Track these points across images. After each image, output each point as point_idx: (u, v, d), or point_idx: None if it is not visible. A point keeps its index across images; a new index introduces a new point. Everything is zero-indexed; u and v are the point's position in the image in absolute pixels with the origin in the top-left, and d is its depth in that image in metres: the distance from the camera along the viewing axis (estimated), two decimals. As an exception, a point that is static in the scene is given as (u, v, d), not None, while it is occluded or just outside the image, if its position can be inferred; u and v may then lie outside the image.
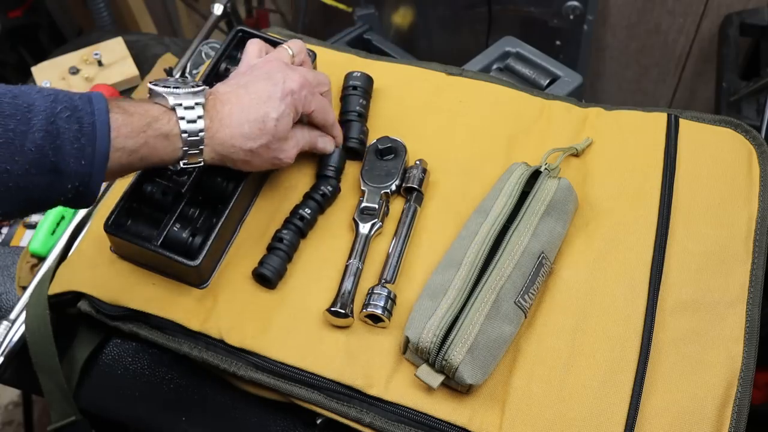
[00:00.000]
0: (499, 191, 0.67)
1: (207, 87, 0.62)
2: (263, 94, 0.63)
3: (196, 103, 0.59)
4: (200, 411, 0.67)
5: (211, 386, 0.67)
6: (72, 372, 0.68)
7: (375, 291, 0.63)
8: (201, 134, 0.59)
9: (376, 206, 0.69)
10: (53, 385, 0.66)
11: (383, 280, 0.64)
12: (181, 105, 0.58)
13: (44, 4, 1.52)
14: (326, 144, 0.72)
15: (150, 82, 0.60)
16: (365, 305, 0.63)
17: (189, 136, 0.58)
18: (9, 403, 1.54)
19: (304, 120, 0.70)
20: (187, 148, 0.59)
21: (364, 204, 0.69)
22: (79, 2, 1.54)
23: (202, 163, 0.61)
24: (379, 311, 0.62)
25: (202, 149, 0.60)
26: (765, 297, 0.64)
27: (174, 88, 0.59)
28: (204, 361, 0.64)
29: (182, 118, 0.58)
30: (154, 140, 0.57)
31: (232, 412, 0.66)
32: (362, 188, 0.71)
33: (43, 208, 0.55)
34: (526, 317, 0.61)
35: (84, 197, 0.55)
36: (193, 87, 0.60)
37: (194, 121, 0.59)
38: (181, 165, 0.60)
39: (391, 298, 0.63)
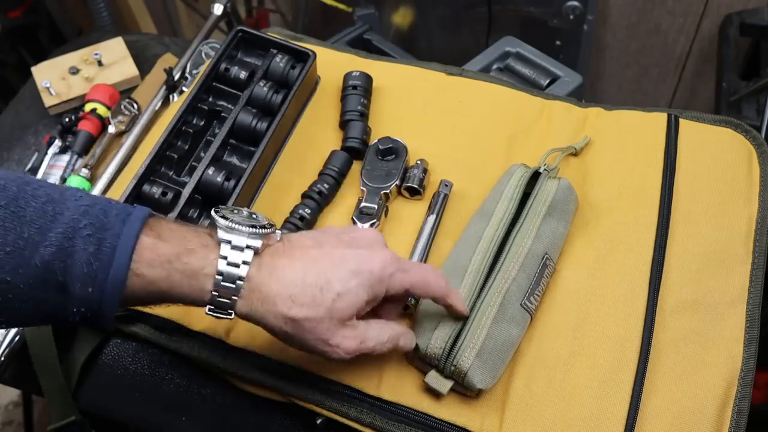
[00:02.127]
0: (500, 194, 0.67)
1: (278, 230, 0.53)
2: (336, 258, 0.51)
3: (248, 246, 0.50)
4: (200, 411, 0.66)
5: (211, 386, 0.67)
6: (72, 372, 0.68)
7: None
8: (239, 283, 0.49)
9: (375, 207, 0.69)
10: (53, 385, 0.66)
11: None
12: (229, 243, 0.50)
13: (44, 4, 1.52)
14: (408, 341, 0.57)
15: (214, 209, 0.52)
16: None
17: (223, 281, 0.49)
18: (9, 403, 1.54)
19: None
20: (217, 294, 0.49)
21: (363, 204, 0.69)
22: (79, 2, 1.54)
23: (232, 316, 0.50)
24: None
25: (235, 300, 0.50)
26: (765, 297, 0.64)
27: (236, 223, 0.50)
28: (204, 361, 0.64)
29: (224, 258, 0.49)
30: (179, 276, 0.48)
31: (232, 412, 0.66)
32: (362, 188, 0.71)
33: (54, 323, 0.50)
34: (532, 319, 0.61)
35: (97, 322, 0.48)
36: (258, 228, 0.50)
37: (237, 266, 0.49)
38: (207, 311, 0.50)
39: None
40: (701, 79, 1.54)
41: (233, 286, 0.49)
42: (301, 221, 0.68)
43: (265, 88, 0.75)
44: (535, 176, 0.68)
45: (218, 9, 1.01)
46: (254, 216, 0.53)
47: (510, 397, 0.59)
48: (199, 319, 0.64)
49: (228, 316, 0.50)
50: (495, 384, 0.59)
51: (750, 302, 0.62)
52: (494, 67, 1.02)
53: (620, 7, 1.45)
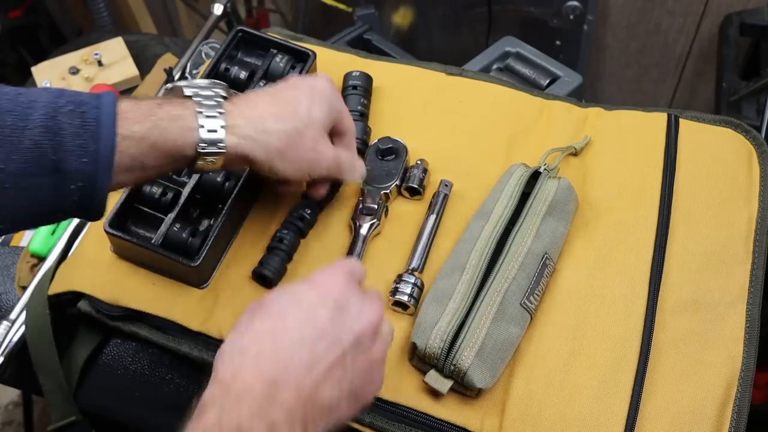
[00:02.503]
0: (499, 193, 0.67)
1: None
2: (290, 90, 0.60)
3: (215, 92, 0.55)
4: (200, 411, 0.66)
5: (211, 386, 0.67)
6: (72, 372, 0.68)
7: (402, 279, 0.63)
8: (221, 113, 0.53)
9: (375, 206, 0.69)
10: (53, 385, 0.66)
11: (410, 269, 0.65)
12: (197, 92, 0.55)
13: (44, 4, 1.52)
14: (362, 171, 0.67)
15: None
16: (392, 292, 0.63)
17: (207, 116, 0.53)
18: (9, 403, 1.54)
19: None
20: (204, 128, 0.53)
21: (363, 204, 0.69)
22: (79, 2, 1.54)
23: (224, 151, 0.54)
24: (405, 299, 0.62)
25: (222, 132, 0.53)
26: (765, 297, 0.64)
27: (192, 83, 0.56)
28: (204, 361, 0.64)
29: (198, 101, 0.54)
30: (166, 123, 0.51)
31: (232, 412, 0.66)
32: (362, 188, 0.71)
33: (50, 216, 0.51)
34: (531, 318, 0.61)
35: (91, 202, 0.50)
36: (212, 81, 0.57)
37: (212, 104, 0.54)
38: (199, 149, 0.53)
39: (418, 286, 0.63)
40: (701, 79, 1.54)
41: (216, 115, 0.53)
42: (301, 221, 0.68)
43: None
44: (535, 176, 0.68)
45: (218, 9, 1.01)
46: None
47: (510, 397, 0.59)
48: (199, 319, 0.64)
49: (221, 150, 0.53)
50: (495, 384, 0.59)
51: (750, 302, 0.62)
52: (494, 67, 1.02)
53: (620, 7, 1.45)
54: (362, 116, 0.76)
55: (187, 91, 0.55)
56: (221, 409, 0.43)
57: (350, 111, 0.76)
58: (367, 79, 0.78)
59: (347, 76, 0.78)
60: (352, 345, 0.47)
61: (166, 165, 0.53)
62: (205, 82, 0.56)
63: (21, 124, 0.47)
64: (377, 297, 0.51)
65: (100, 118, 0.49)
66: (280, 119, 0.56)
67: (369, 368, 0.49)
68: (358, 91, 0.77)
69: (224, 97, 0.56)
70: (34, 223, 0.52)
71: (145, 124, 0.51)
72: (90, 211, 0.52)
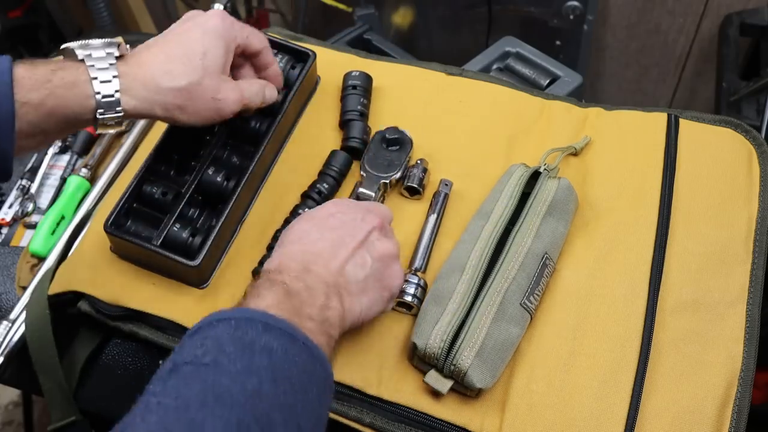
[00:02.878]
0: (499, 193, 0.67)
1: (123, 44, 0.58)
2: (182, 33, 0.60)
3: (108, 53, 0.55)
4: (200, 411, 0.66)
5: (211, 386, 0.67)
6: (72, 372, 0.68)
7: (406, 279, 0.63)
8: (114, 77, 0.54)
9: (373, 194, 0.69)
10: (53, 385, 0.66)
11: (413, 269, 0.65)
12: (90, 55, 0.55)
13: (44, 4, 1.52)
14: (272, 91, 0.69)
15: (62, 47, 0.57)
16: None
17: (101, 81, 0.54)
18: (9, 403, 1.54)
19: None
20: (100, 94, 0.54)
21: (360, 189, 0.69)
22: (79, 2, 1.54)
23: (121, 114, 0.56)
24: (408, 299, 0.62)
25: (118, 95, 0.55)
26: (765, 297, 0.64)
27: (85, 44, 0.56)
28: (204, 361, 0.64)
29: (91, 66, 0.54)
30: (62, 90, 0.53)
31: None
32: (361, 173, 0.70)
33: None
34: (531, 318, 0.61)
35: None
36: (106, 41, 0.56)
37: (105, 68, 0.54)
38: (98, 116, 0.55)
39: (422, 286, 0.63)
40: (701, 79, 1.54)
41: (111, 82, 0.54)
42: (301, 221, 0.68)
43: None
44: (535, 176, 0.68)
45: (218, 9, 1.01)
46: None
47: (510, 397, 0.59)
48: (199, 319, 0.64)
49: (118, 114, 0.55)
50: (495, 384, 0.59)
51: (750, 302, 0.62)
52: (494, 67, 1.02)
53: (620, 7, 1.45)
54: (362, 116, 0.76)
55: (80, 54, 0.55)
56: (267, 279, 0.51)
57: (350, 111, 0.76)
58: (367, 78, 0.78)
59: (347, 76, 0.78)
60: (366, 236, 0.56)
61: (67, 129, 0.55)
62: (98, 41, 0.56)
63: None
64: (382, 205, 0.61)
65: None
66: (174, 76, 0.57)
67: (385, 257, 0.57)
68: (358, 91, 0.77)
69: (117, 57, 0.56)
70: None
71: (42, 92, 0.52)
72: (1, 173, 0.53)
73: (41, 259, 0.76)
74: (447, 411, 0.59)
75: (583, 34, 1.41)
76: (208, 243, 0.64)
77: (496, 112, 0.77)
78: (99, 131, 0.58)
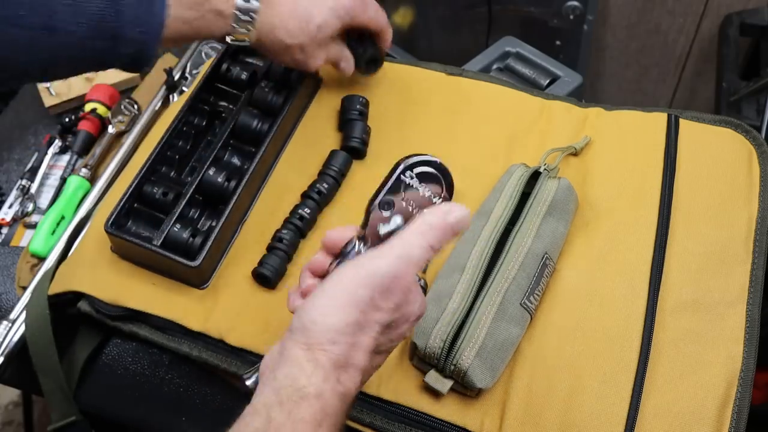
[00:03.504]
0: (499, 193, 0.67)
1: None
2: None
3: None
4: (200, 411, 0.66)
5: (211, 386, 0.67)
6: (72, 372, 0.68)
7: None
8: (253, 16, 0.65)
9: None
10: (53, 385, 0.66)
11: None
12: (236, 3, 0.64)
13: (44, 4, 1.52)
14: (348, 66, 0.75)
15: None
16: None
17: (242, 15, 0.64)
18: (9, 403, 1.54)
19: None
20: (236, 26, 0.65)
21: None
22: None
23: (247, 43, 0.67)
24: None
25: (250, 30, 0.65)
26: (765, 297, 0.64)
27: None
28: (204, 361, 0.64)
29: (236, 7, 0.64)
30: (210, 15, 0.63)
31: (232, 412, 0.66)
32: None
33: (98, 68, 0.62)
34: (531, 318, 0.61)
35: (138, 62, 0.61)
36: None
37: (248, 1, 0.64)
38: (228, 40, 0.66)
39: (422, 286, 0.63)
40: (701, 79, 1.54)
41: (248, 19, 0.65)
42: (301, 221, 0.68)
43: (267, 89, 0.75)
44: (535, 176, 0.68)
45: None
46: None
47: (510, 397, 0.59)
48: (199, 319, 0.64)
49: (244, 43, 0.67)
50: (495, 384, 0.59)
51: (750, 302, 0.62)
52: (494, 67, 1.01)
53: (620, 7, 1.45)
54: (361, 115, 0.76)
55: None
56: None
57: (350, 110, 0.76)
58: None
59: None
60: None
61: (200, 37, 0.65)
62: None
63: None
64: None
65: None
66: (290, 35, 0.67)
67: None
68: (358, 97, 0.77)
69: None
70: (82, 72, 0.63)
71: (194, 13, 0.62)
72: (135, 68, 0.62)
73: (41, 259, 0.76)
74: (447, 411, 0.59)
75: (583, 34, 1.41)
76: (209, 243, 0.64)
77: (496, 112, 0.77)
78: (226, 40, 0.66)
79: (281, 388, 0.43)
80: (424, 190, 0.53)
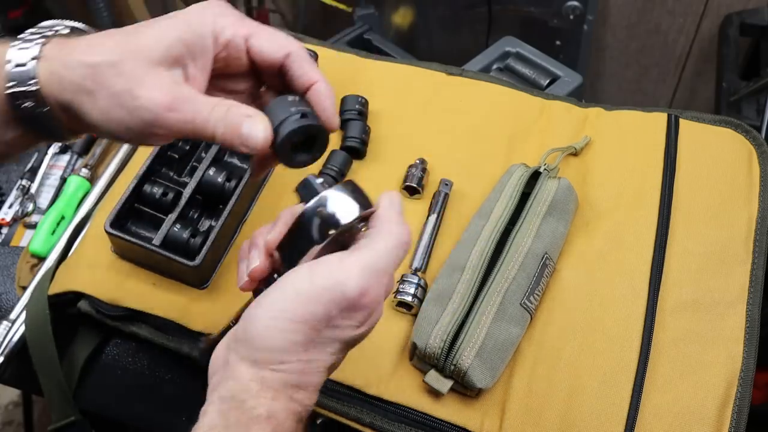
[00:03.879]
0: (499, 193, 0.67)
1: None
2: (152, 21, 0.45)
3: (50, 26, 0.44)
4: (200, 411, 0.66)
5: (211, 386, 0.67)
6: (72, 372, 0.68)
7: (406, 279, 0.63)
8: (37, 46, 0.42)
9: None
10: (53, 385, 0.66)
11: (413, 269, 0.65)
12: (10, 49, 0.43)
13: (44, 4, 1.52)
14: (253, 129, 0.43)
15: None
16: (396, 292, 0.63)
17: (19, 48, 0.42)
18: (9, 403, 1.54)
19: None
20: (11, 62, 0.42)
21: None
22: (79, 2, 1.54)
23: (35, 89, 0.42)
24: (408, 299, 0.62)
25: (33, 64, 0.42)
26: (765, 297, 0.64)
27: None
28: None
29: (13, 46, 0.43)
30: None
31: (232, 412, 0.66)
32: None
33: None
34: (531, 318, 0.61)
35: None
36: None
37: (31, 39, 0.43)
38: (6, 90, 0.42)
39: (422, 286, 0.63)
40: (701, 79, 1.54)
41: (31, 47, 0.42)
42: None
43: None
44: (535, 176, 0.68)
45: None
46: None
47: (510, 397, 0.59)
48: (199, 319, 0.64)
49: (36, 102, 0.42)
50: (495, 384, 0.59)
51: (750, 302, 0.62)
52: (494, 67, 1.02)
53: (620, 7, 1.45)
54: (360, 115, 0.76)
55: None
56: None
57: (348, 110, 0.76)
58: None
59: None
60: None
61: None
62: (50, 22, 0.46)
63: None
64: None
65: None
66: (93, 49, 0.42)
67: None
68: (357, 97, 0.77)
69: (56, 36, 0.44)
70: None
71: None
72: None
73: (41, 259, 0.76)
74: (447, 411, 0.59)
75: (583, 34, 1.41)
76: (208, 243, 0.64)
77: (496, 112, 0.77)
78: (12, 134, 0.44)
79: (229, 410, 0.39)
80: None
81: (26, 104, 0.42)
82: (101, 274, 0.67)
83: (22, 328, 0.70)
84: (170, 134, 0.43)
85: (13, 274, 0.78)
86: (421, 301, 0.63)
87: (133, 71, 0.41)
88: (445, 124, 0.77)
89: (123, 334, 0.67)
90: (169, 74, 0.42)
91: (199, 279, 0.66)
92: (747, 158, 0.71)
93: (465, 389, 0.58)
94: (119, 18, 1.53)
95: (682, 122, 0.74)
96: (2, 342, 0.70)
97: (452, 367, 0.57)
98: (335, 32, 1.18)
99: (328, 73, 0.80)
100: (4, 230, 0.82)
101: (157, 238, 0.65)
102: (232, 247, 0.69)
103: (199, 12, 0.44)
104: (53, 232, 0.78)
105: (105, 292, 0.66)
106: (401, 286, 0.63)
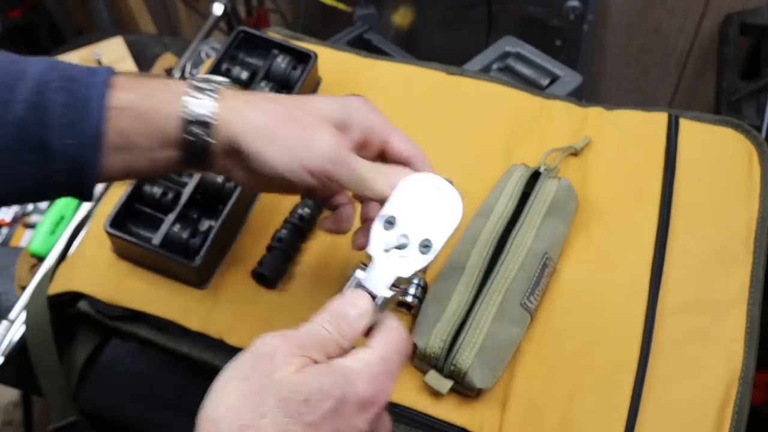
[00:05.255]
0: (499, 193, 0.67)
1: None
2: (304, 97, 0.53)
3: (214, 79, 0.50)
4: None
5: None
6: (72, 372, 0.68)
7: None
8: (212, 91, 0.48)
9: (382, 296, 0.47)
10: (53, 385, 0.66)
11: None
12: (193, 83, 0.48)
13: (44, 4, 1.52)
14: (349, 217, 0.55)
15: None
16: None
17: (198, 85, 0.48)
18: (9, 403, 1.54)
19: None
20: (194, 95, 0.47)
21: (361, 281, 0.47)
22: (79, 2, 1.54)
23: (213, 124, 0.47)
24: (408, 299, 0.62)
25: (213, 102, 0.47)
26: (765, 297, 0.64)
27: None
28: (204, 361, 0.64)
29: (191, 82, 0.48)
30: (160, 93, 0.47)
31: (232, 412, 0.66)
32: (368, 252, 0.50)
33: (39, 194, 0.49)
34: (532, 319, 0.61)
35: (81, 183, 0.47)
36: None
37: (206, 88, 0.48)
38: (184, 135, 0.47)
39: (422, 286, 0.63)
40: (701, 79, 1.54)
41: (209, 91, 0.47)
42: (301, 221, 0.68)
43: (267, 89, 0.75)
44: (535, 176, 0.68)
45: (218, 9, 1.01)
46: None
47: (510, 397, 0.59)
48: (199, 319, 0.64)
49: (206, 136, 0.47)
50: (495, 384, 0.59)
51: (750, 302, 0.62)
52: (494, 67, 1.02)
53: (620, 7, 1.45)
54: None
55: (188, 77, 0.51)
56: None
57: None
58: None
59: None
60: None
61: (153, 146, 0.48)
62: (203, 76, 0.51)
63: (7, 96, 0.45)
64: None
65: (90, 96, 0.45)
66: (272, 101, 0.49)
67: None
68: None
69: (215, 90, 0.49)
70: (22, 199, 0.49)
71: (138, 93, 0.47)
72: (81, 192, 0.48)
73: (41, 259, 0.76)
74: (447, 411, 0.59)
75: (583, 34, 1.41)
76: (208, 243, 0.64)
77: (496, 112, 0.77)
78: (193, 165, 0.49)
79: None
80: (427, 207, 0.49)
81: (196, 133, 0.47)
82: (101, 274, 0.67)
83: (22, 329, 0.70)
84: (327, 185, 0.49)
85: (13, 274, 0.78)
86: (421, 301, 0.63)
87: (312, 123, 0.48)
88: (445, 123, 0.77)
89: (123, 334, 0.67)
90: (337, 132, 0.49)
91: (199, 279, 0.66)
92: (747, 158, 0.71)
93: (465, 389, 0.58)
94: (119, 18, 1.53)
95: (683, 122, 0.74)
96: (2, 342, 0.70)
97: (452, 367, 0.57)
98: (335, 32, 1.18)
99: (328, 73, 0.81)
100: (4, 230, 0.82)
101: (157, 238, 0.65)
102: (232, 247, 0.69)
103: (356, 99, 0.52)
104: (53, 232, 0.78)
105: (105, 292, 0.66)
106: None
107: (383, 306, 0.45)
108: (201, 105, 0.47)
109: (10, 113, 0.45)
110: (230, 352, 0.63)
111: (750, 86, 1.21)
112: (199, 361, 0.64)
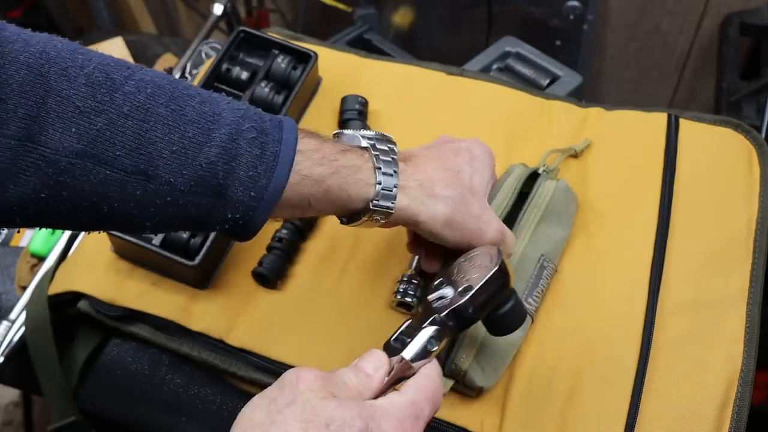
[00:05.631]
0: (497, 191, 0.67)
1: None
2: (450, 154, 0.58)
3: (390, 147, 0.53)
4: (200, 411, 0.66)
5: (211, 386, 0.67)
6: (72, 372, 0.68)
7: (407, 279, 0.63)
8: (395, 172, 0.51)
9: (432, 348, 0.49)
10: (53, 385, 0.66)
11: (414, 269, 0.65)
12: (374, 145, 0.52)
13: (44, 3, 1.52)
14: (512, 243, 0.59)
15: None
16: (397, 293, 0.63)
17: (384, 169, 0.51)
18: (9, 403, 1.54)
19: None
20: (380, 184, 0.50)
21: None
22: (79, 2, 1.54)
23: (392, 211, 0.51)
24: (409, 299, 0.62)
25: (396, 191, 0.51)
26: (765, 297, 0.64)
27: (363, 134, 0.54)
28: (204, 361, 0.64)
29: (376, 155, 0.51)
30: (346, 171, 0.49)
31: (233, 412, 0.66)
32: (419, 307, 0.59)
33: (196, 229, 0.51)
34: (533, 320, 0.61)
35: (242, 231, 0.48)
36: (381, 134, 0.54)
37: (389, 161, 0.51)
38: (372, 206, 0.50)
39: (422, 286, 0.63)
40: (701, 79, 1.54)
41: (392, 174, 0.51)
42: (301, 221, 0.68)
43: (267, 89, 0.75)
44: (534, 176, 0.68)
45: (218, 9, 1.01)
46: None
47: (510, 397, 0.59)
48: (199, 319, 0.64)
49: (389, 210, 0.51)
50: (495, 384, 0.59)
51: (750, 302, 0.62)
52: (494, 67, 1.02)
53: (620, 7, 1.45)
54: (360, 115, 0.76)
55: (364, 142, 0.52)
56: None
57: (348, 110, 0.76)
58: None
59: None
60: None
61: (327, 210, 0.51)
62: (373, 133, 0.54)
63: (201, 139, 0.45)
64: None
65: (279, 155, 0.47)
66: (448, 185, 0.54)
67: None
68: (357, 97, 0.77)
69: (392, 149, 0.54)
70: (177, 229, 0.53)
71: (327, 168, 0.49)
72: (238, 236, 0.49)
73: (41, 259, 0.76)
74: (447, 411, 0.59)
75: (583, 34, 1.41)
76: (208, 243, 0.64)
77: (496, 112, 0.77)
78: (355, 224, 0.53)
79: None
80: (477, 261, 0.52)
81: (377, 212, 0.51)
82: (101, 274, 0.67)
83: (22, 329, 0.70)
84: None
85: (13, 274, 0.78)
86: (419, 299, 0.63)
87: (477, 204, 0.55)
88: (445, 123, 0.77)
89: (123, 334, 0.67)
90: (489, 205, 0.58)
91: (199, 279, 0.66)
92: (747, 158, 0.71)
93: (465, 389, 0.58)
94: (119, 18, 1.53)
95: (682, 122, 0.74)
96: (2, 342, 0.70)
97: (452, 367, 0.57)
98: (335, 32, 1.17)
99: (328, 73, 0.81)
100: (4, 230, 0.82)
101: (157, 238, 0.65)
102: (232, 247, 0.69)
103: (489, 159, 0.60)
104: (53, 232, 0.78)
105: (105, 291, 0.66)
106: (402, 286, 0.63)
107: (421, 356, 0.47)
108: (386, 191, 0.51)
109: (202, 155, 0.45)
110: (230, 352, 0.63)
111: (750, 86, 1.21)
112: (199, 361, 0.64)
